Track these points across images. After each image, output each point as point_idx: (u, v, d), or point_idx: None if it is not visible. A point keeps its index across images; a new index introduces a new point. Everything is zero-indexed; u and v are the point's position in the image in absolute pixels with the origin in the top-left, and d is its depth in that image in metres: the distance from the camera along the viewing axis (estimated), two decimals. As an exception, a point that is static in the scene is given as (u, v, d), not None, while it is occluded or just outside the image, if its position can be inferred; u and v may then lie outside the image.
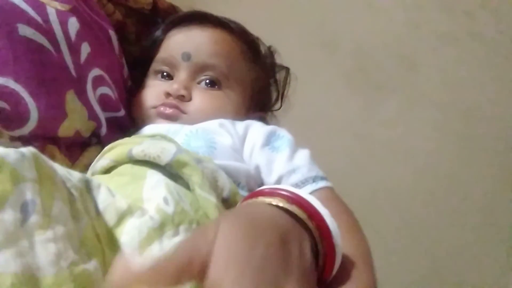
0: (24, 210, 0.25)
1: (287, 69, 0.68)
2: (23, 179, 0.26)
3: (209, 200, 0.38)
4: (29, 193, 0.26)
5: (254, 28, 0.64)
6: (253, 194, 0.33)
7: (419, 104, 1.26)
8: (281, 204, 0.30)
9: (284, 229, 0.29)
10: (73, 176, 0.33)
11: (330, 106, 1.26)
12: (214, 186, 0.40)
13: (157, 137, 0.45)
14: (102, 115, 0.52)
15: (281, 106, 0.69)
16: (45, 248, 0.25)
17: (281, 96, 0.68)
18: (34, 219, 0.25)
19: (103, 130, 0.52)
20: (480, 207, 1.22)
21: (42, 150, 0.44)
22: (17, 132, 0.42)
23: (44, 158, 0.29)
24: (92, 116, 0.50)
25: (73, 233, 0.28)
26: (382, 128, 1.26)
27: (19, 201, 0.25)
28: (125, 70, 0.60)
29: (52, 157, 0.45)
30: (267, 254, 0.26)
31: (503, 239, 1.21)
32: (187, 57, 0.55)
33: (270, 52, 0.66)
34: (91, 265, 0.28)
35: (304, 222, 0.31)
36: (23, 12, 0.44)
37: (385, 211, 1.23)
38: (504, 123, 1.22)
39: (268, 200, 0.31)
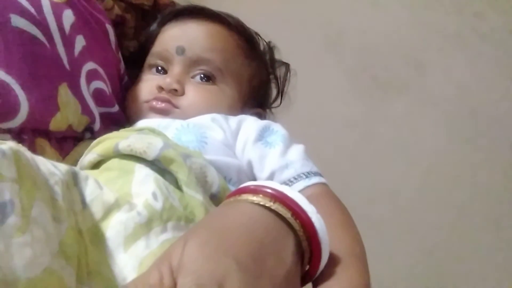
0: (1, 211, 0.25)
1: (287, 65, 0.67)
2: (1, 178, 0.25)
3: (195, 198, 0.37)
4: (7, 193, 0.25)
5: (258, 25, 0.64)
6: (238, 190, 0.33)
7: (426, 105, 1.24)
8: (262, 203, 0.30)
9: (259, 236, 0.29)
10: (59, 168, 0.33)
11: (335, 105, 1.25)
12: (202, 182, 0.40)
13: (145, 130, 0.44)
14: (95, 110, 0.51)
15: (280, 102, 0.68)
16: (21, 252, 0.24)
17: (281, 92, 0.67)
18: (12, 220, 0.25)
19: (97, 125, 0.51)
20: (486, 208, 1.20)
21: (32, 143, 0.43)
22: (6, 125, 0.41)
23: (27, 155, 0.29)
24: (86, 110, 0.49)
25: (53, 236, 0.27)
26: (387, 128, 1.25)
27: None
28: (122, 64, 0.59)
29: (42, 151, 0.44)
30: (235, 272, 0.26)
31: (509, 240, 1.19)
32: (181, 51, 0.55)
33: (270, 47, 0.65)
34: (66, 271, 0.27)
35: (288, 220, 0.30)
36: (16, 2, 0.44)
37: (389, 211, 1.22)
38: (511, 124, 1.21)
39: (251, 198, 0.31)
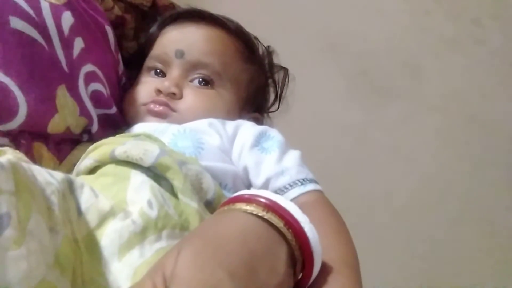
0: None
1: (285, 70, 0.67)
2: None
3: (190, 206, 0.38)
4: (4, 206, 0.25)
5: (257, 29, 0.64)
6: (232, 199, 0.33)
7: (422, 110, 1.25)
8: (255, 212, 0.30)
9: (252, 246, 0.29)
10: (56, 177, 0.33)
11: (332, 109, 1.25)
12: (198, 188, 0.40)
13: (141, 136, 0.44)
14: (93, 112, 0.51)
15: (278, 107, 0.68)
16: (16, 265, 0.25)
17: (279, 97, 0.67)
18: (8, 233, 0.25)
19: (95, 126, 0.51)
20: (482, 214, 1.21)
21: (30, 148, 0.44)
22: (5, 127, 0.42)
23: (24, 166, 0.29)
24: (84, 112, 0.49)
25: (48, 247, 0.27)
26: (383, 133, 1.25)
27: None
28: (121, 66, 0.60)
29: (40, 156, 0.44)
30: (227, 283, 0.26)
31: (505, 245, 1.20)
32: (180, 54, 0.55)
33: (268, 52, 0.65)
34: (61, 282, 0.27)
35: (281, 230, 0.30)
36: (15, 4, 0.44)
37: (384, 216, 1.22)
38: (508, 130, 1.21)
39: (244, 207, 0.31)
